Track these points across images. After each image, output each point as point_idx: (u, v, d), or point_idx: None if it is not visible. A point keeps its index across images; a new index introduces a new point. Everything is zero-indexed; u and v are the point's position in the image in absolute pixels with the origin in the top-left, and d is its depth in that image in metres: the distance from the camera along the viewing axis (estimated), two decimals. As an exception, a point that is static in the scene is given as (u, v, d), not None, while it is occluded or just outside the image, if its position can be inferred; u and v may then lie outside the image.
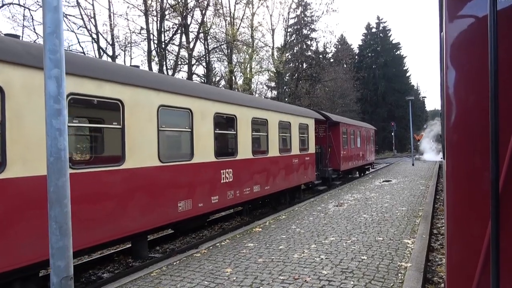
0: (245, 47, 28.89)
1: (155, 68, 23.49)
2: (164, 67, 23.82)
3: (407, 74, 73.16)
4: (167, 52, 24.72)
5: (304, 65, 43.29)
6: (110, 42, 23.38)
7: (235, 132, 9.49)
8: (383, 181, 17.83)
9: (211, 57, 29.31)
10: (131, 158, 6.21)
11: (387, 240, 7.04)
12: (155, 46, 23.64)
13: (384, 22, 73.25)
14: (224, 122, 9.54)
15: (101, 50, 22.81)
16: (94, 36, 22.43)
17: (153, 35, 23.53)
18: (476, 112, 2.18)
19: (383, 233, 7.57)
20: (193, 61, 26.20)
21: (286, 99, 34.92)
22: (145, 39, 23.36)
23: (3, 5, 18.29)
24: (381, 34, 72.20)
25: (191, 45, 25.17)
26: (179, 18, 23.93)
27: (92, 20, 22.28)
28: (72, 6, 21.10)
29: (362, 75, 56.29)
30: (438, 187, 16.29)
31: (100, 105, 6.30)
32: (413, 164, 28.54)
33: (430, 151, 53.59)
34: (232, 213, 12.14)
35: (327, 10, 39.25)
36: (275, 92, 40.33)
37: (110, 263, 7.76)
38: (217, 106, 8.68)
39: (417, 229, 7.88)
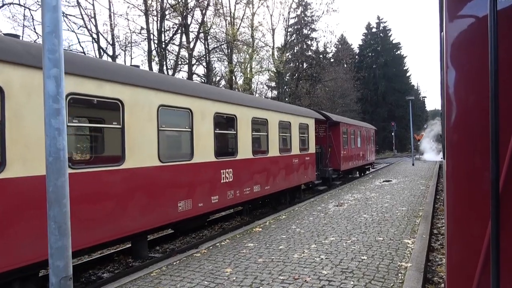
0: (245, 47, 28.89)
1: (155, 68, 23.50)
2: (164, 67, 23.83)
3: (408, 74, 73.16)
4: (167, 52, 24.73)
5: (305, 65, 43.28)
6: (111, 42, 23.40)
7: (235, 132, 9.49)
8: (383, 181, 17.82)
9: (211, 57, 29.32)
10: (131, 158, 6.21)
11: (387, 240, 7.03)
12: (155, 46, 23.64)
13: (385, 22, 73.35)
14: (224, 122, 9.53)
15: (101, 50, 22.83)
16: (95, 36, 22.46)
17: (153, 35, 23.54)
18: (476, 112, 2.18)
19: (383, 233, 7.57)
20: (193, 61, 26.22)
21: (287, 99, 34.92)
22: (145, 39, 23.37)
23: (3, 5, 18.30)
24: (381, 34, 72.18)
25: (191, 45, 25.18)
26: (179, 18, 23.93)
27: (93, 20, 22.32)
28: (73, 6, 21.12)
29: (362, 75, 56.28)
30: (438, 187, 16.28)
31: (100, 105, 6.30)
32: (413, 164, 28.53)
33: (430, 151, 53.55)
34: (232, 213, 12.14)
35: (327, 10, 39.27)
36: (275, 92, 40.31)
37: (110, 263, 7.76)
38: (217, 106, 8.68)
39: (417, 229, 7.88)
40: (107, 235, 5.81)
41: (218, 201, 8.59)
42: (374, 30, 72.78)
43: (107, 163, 6.21)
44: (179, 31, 24.58)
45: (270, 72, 35.90)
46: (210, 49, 28.07)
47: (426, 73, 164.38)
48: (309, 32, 44.99)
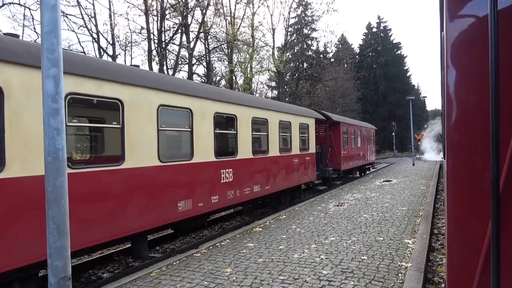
0: (245, 46, 28.88)
1: (155, 67, 23.50)
2: (165, 67, 23.82)
3: (408, 74, 73.12)
4: (167, 51, 24.72)
5: (305, 65, 43.27)
6: (111, 42, 23.39)
7: (235, 132, 9.48)
8: (383, 181, 17.81)
9: (211, 56, 29.31)
10: (130, 157, 6.20)
11: (387, 240, 7.02)
12: (156, 45, 23.63)
13: (385, 22, 73.23)
14: (224, 122, 9.52)
15: (101, 50, 22.82)
16: (95, 35, 22.45)
17: (154, 35, 23.53)
18: (477, 111, 2.17)
19: (383, 233, 7.56)
20: (194, 61, 26.19)
21: (287, 99, 34.91)
22: (145, 38, 23.36)
23: (3, 4, 18.29)
24: (381, 34, 72.14)
25: (192, 44, 25.16)
26: (180, 17, 23.92)
27: (93, 19, 22.30)
28: (73, 6, 21.12)
29: (362, 74, 56.28)
30: (438, 187, 16.27)
31: (99, 104, 6.30)
32: (413, 164, 28.51)
33: (431, 151, 53.53)
34: (232, 213, 12.13)
35: (327, 9, 39.08)
36: (275, 92, 40.31)
37: (110, 263, 7.76)
38: (217, 106, 8.67)
39: (417, 229, 7.87)
40: (107, 235, 5.81)
41: (218, 201, 8.58)
42: (374, 30, 72.73)
43: (106, 163, 6.20)
44: (179, 30, 24.58)
45: (270, 72, 35.90)
46: (210, 49, 28.07)
47: (426, 73, 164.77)
48: (310, 32, 44.99)
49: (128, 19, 28.42)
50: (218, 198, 8.59)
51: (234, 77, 29.33)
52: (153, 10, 22.78)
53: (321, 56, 47.51)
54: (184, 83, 8.89)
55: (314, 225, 8.55)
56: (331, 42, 58.54)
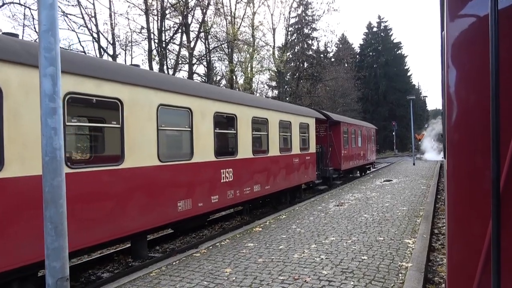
0: (246, 46, 28.87)
1: (155, 67, 23.50)
2: (165, 67, 23.82)
3: (408, 74, 73.05)
4: (167, 51, 24.71)
5: (305, 65, 43.29)
6: (111, 41, 23.40)
7: (235, 132, 9.47)
8: (384, 181, 17.80)
9: (212, 56, 29.32)
10: (130, 157, 6.19)
11: (387, 240, 7.01)
12: (156, 45, 23.63)
13: (385, 22, 73.10)
14: (224, 122, 9.51)
15: (101, 49, 22.82)
16: (95, 35, 22.47)
17: (154, 34, 23.54)
18: (477, 111, 2.16)
19: (383, 233, 7.54)
20: (194, 61, 26.19)
21: (287, 99, 34.90)
22: (145, 38, 23.37)
23: (3, 4, 18.28)
24: (382, 33, 72.09)
25: (192, 44, 25.17)
26: (180, 17, 23.91)
27: (93, 19, 22.31)
28: (73, 5, 21.11)
29: (363, 74, 56.24)
30: (439, 186, 16.25)
31: (99, 104, 6.29)
32: (414, 164, 28.49)
33: (432, 151, 53.48)
34: (232, 213, 12.12)
35: (328, 9, 39.10)
36: (276, 92, 40.32)
37: (110, 263, 7.75)
38: (217, 105, 8.66)
39: (418, 229, 7.85)
40: (106, 235, 5.80)
41: (218, 200, 8.57)
42: (375, 29, 72.69)
43: (106, 163, 6.19)
44: (180, 30, 24.58)
45: (270, 71, 35.91)
46: (210, 48, 28.07)
47: (427, 72, 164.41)
48: (310, 31, 44.98)
49: (129, 19, 28.48)
50: (218, 198, 8.58)
51: (234, 77, 29.33)
52: (153, 9, 22.80)
53: (322, 55, 47.53)
54: (184, 82, 8.89)
55: (314, 225, 8.54)
56: (331, 41, 58.79)
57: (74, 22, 21.65)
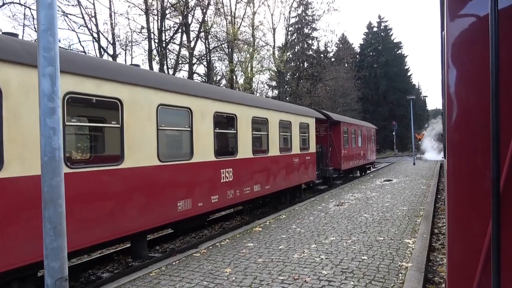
0: (246, 46, 28.86)
1: (156, 67, 23.49)
2: (165, 66, 23.81)
3: (409, 73, 73.02)
4: (168, 51, 24.71)
5: (305, 64, 43.27)
6: (111, 41, 23.38)
7: (235, 131, 9.46)
8: (384, 181, 17.79)
9: (212, 56, 29.31)
10: (130, 157, 6.19)
11: (387, 240, 7.00)
12: (156, 45, 23.62)
13: (386, 21, 73.07)
14: (224, 121, 9.50)
15: (102, 49, 22.82)
16: (95, 35, 22.45)
17: (154, 34, 23.53)
18: (477, 111, 2.16)
19: (383, 233, 7.54)
20: (194, 60, 26.18)
21: (287, 98, 34.89)
22: (145, 38, 23.35)
23: (3, 4, 18.28)
24: (382, 33, 72.05)
25: (192, 44, 25.16)
26: (180, 17, 23.91)
27: (93, 19, 22.30)
28: (73, 5, 21.10)
29: (363, 74, 56.19)
30: (439, 186, 16.25)
31: (99, 104, 6.27)
32: (414, 164, 28.48)
33: (432, 150, 53.48)
34: (232, 213, 12.12)
35: (328, 9, 39.08)
36: (276, 91, 40.31)
37: (110, 263, 7.75)
38: (217, 105, 8.65)
39: (418, 228, 7.85)
40: (106, 235, 5.79)
41: (218, 200, 8.57)
42: (375, 29, 72.65)
43: (106, 163, 6.19)
44: (180, 30, 24.57)
45: (270, 71, 35.89)
46: (210, 48, 28.06)
47: (427, 72, 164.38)
48: (310, 31, 44.95)
49: (129, 19, 28.40)
50: (218, 197, 8.57)
51: (234, 77, 29.32)
52: (153, 9, 22.79)
53: (322, 55, 47.51)
54: (184, 82, 8.88)
55: (314, 225, 8.54)
56: (331, 41, 58.84)
57: (74, 22, 21.67)
